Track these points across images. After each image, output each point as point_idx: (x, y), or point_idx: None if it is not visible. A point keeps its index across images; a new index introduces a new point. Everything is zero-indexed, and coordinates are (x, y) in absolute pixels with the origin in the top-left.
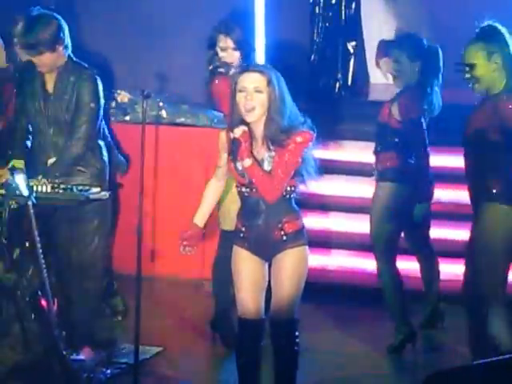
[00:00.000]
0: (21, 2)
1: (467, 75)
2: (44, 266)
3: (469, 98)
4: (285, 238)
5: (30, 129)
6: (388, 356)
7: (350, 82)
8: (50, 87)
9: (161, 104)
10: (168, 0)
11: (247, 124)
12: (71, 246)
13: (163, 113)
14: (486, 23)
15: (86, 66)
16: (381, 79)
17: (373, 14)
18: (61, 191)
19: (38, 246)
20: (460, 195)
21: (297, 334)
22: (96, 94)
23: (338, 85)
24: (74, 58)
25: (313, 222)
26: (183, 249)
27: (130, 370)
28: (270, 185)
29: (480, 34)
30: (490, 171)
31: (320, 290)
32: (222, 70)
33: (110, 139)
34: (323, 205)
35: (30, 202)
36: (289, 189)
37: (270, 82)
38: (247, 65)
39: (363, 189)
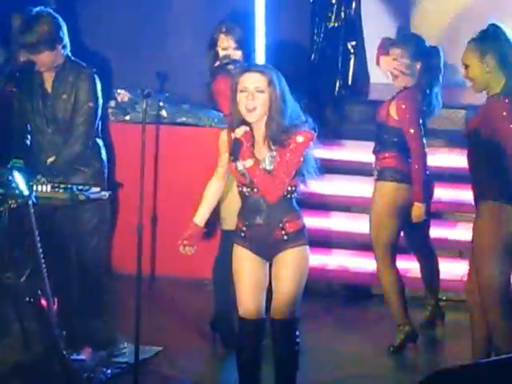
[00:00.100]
0: (20, 2)
1: (464, 75)
2: (44, 265)
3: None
4: (286, 237)
5: (29, 128)
6: (388, 356)
7: (350, 82)
8: (48, 86)
9: (161, 104)
10: (168, 0)
11: (248, 124)
12: (71, 246)
13: (164, 112)
14: (489, 23)
15: (85, 65)
16: (381, 79)
17: (373, 14)
18: (61, 191)
19: (38, 245)
20: (460, 195)
21: (297, 333)
22: (94, 92)
23: (338, 85)
24: (73, 58)
25: (313, 221)
26: (183, 248)
27: (130, 369)
28: (272, 185)
29: (477, 35)
30: (489, 171)
31: (320, 290)
32: (231, 66)
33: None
34: (323, 204)
35: (30, 202)
36: (290, 188)
37: (271, 82)
38: (248, 65)
39: (364, 188)
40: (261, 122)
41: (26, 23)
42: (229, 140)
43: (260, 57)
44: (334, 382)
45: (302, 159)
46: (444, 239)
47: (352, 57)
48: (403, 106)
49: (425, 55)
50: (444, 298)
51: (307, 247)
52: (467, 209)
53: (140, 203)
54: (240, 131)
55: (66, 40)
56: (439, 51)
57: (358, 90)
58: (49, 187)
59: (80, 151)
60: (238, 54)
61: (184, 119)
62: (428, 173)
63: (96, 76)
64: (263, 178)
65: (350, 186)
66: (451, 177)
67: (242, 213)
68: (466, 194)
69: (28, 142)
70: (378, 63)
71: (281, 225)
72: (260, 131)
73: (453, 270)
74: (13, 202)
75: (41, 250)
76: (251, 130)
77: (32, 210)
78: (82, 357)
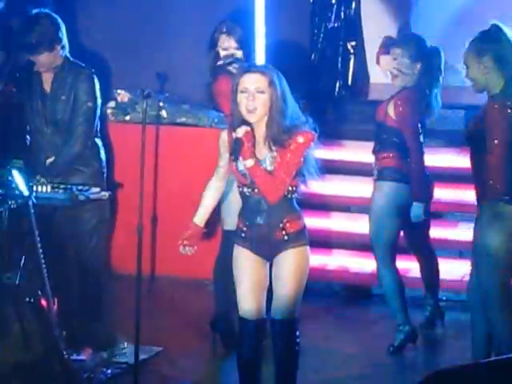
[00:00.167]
0: (19, 3)
1: (465, 76)
2: (44, 265)
3: None
4: (286, 237)
5: (28, 129)
6: (388, 356)
7: (350, 82)
8: (47, 87)
9: (161, 104)
10: (168, 0)
11: (249, 124)
12: (70, 246)
13: (163, 113)
14: (491, 23)
15: (83, 65)
16: (381, 79)
17: (373, 14)
18: (60, 191)
19: (38, 245)
20: (460, 195)
21: (297, 333)
22: (93, 93)
23: (338, 85)
24: (71, 58)
25: (313, 221)
26: (183, 248)
27: (130, 369)
28: (272, 185)
29: (478, 35)
30: (489, 171)
31: (320, 290)
32: (235, 65)
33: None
34: (324, 204)
35: (30, 202)
36: (290, 189)
37: (271, 83)
38: (248, 65)
39: (364, 189)
40: (261, 122)
41: (26, 24)
42: (229, 140)
43: (260, 57)
44: (334, 382)
45: (302, 159)
46: (444, 239)
47: (352, 57)
48: (401, 106)
49: (425, 56)
50: (444, 298)
51: (308, 247)
52: (467, 209)
53: (140, 203)
54: (241, 131)
55: (65, 41)
56: (440, 52)
57: (357, 90)
58: (48, 188)
59: (79, 151)
60: (238, 54)
61: (184, 119)
62: (428, 173)
63: (95, 76)
64: (264, 179)
65: (350, 186)
66: (451, 177)
67: (243, 213)
68: (465, 194)
69: (27, 142)
70: (378, 62)
71: (281, 225)
72: (261, 131)
73: (453, 270)
74: (13, 202)
75: (41, 250)
76: (252, 130)
77: (32, 211)
78: (82, 357)
